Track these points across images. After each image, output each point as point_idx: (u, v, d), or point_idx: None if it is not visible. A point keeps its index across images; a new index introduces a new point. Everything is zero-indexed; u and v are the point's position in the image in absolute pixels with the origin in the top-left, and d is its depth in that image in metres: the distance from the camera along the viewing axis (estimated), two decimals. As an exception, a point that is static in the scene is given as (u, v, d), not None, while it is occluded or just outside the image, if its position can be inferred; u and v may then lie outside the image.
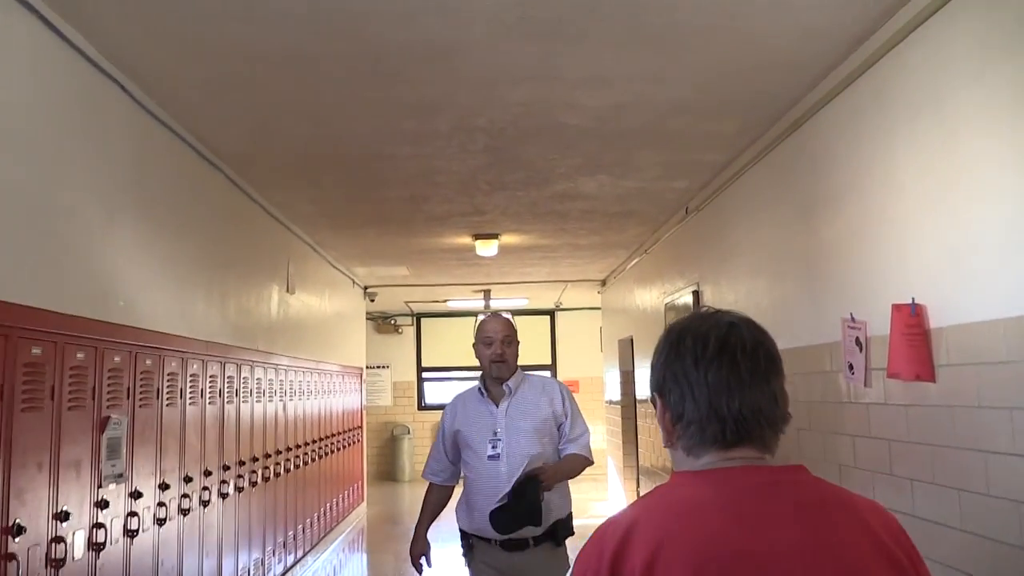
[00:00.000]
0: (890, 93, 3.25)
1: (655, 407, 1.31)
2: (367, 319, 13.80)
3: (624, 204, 6.34)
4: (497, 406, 3.38)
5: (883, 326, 3.30)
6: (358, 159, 4.98)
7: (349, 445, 9.30)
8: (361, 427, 10.18)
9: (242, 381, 5.29)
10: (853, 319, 3.59)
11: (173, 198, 4.38)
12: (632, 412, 9.70)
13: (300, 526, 6.90)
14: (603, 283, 10.86)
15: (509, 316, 3.47)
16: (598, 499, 11.03)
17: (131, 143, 3.85)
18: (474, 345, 3.44)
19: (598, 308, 13.44)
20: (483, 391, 3.44)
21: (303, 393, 7.05)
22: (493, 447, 3.30)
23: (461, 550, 3.40)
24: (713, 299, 5.92)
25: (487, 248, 7.56)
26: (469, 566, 3.40)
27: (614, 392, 10.37)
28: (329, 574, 7.41)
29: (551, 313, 14.30)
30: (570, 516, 3.36)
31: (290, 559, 6.53)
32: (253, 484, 5.48)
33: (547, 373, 14.16)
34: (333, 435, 8.39)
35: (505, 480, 3.15)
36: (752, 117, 4.34)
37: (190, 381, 4.37)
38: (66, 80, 3.25)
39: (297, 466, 6.75)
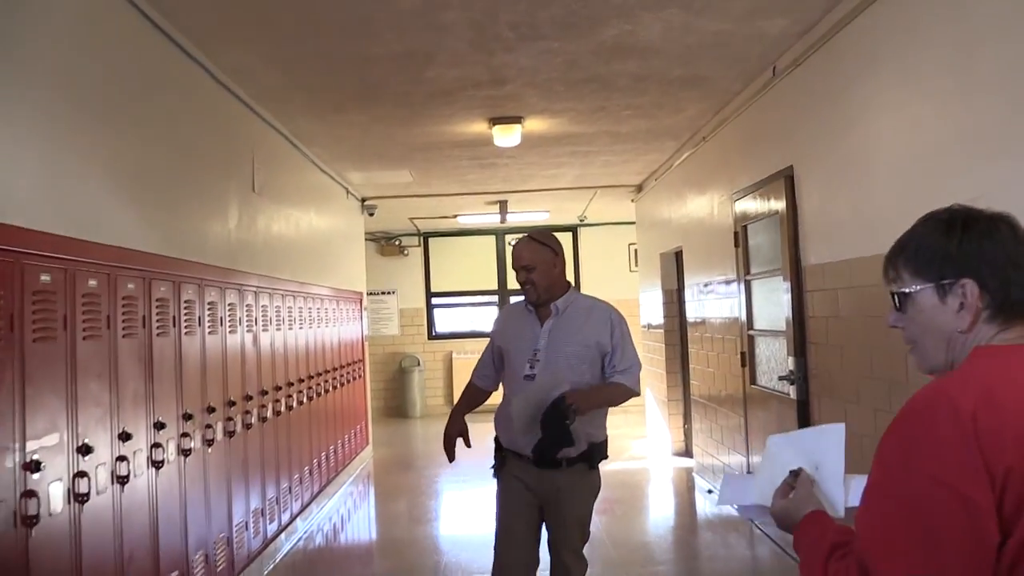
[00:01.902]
0: None
1: (952, 294, 1.30)
2: (368, 239, 12.33)
3: (692, 64, 4.77)
4: (542, 325, 3.27)
5: None
6: (327, -20, 3.43)
7: (349, 381, 7.96)
8: (363, 360, 8.82)
9: (182, 306, 3.86)
10: None
11: (47, 37, 2.87)
12: (679, 337, 8.30)
13: (286, 485, 5.58)
14: (639, 188, 9.32)
15: (538, 239, 3.27)
16: (635, 435, 9.73)
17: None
18: None
19: (626, 223, 11.95)
20: (530, 307, 3.31)
21: (283, 321, 5.64)
22: (530, 367, 3.20)
23: (493, 461, 3.36)
24: (821, 191, 4.40)
25: (507, 136, 6.02)
26: (498, 478, 3.35)
27: (654, 315, 8.95)
28: (324, 543, 6.14)
29: (573, 230, 12.78)
30: (605, 441, 3.30)
31: (271, 528, 5.23)
32: (209, 442, 4.10)
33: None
34: (328, 371, 7.02)
35: (535, 403, 3.08)
36: None
37: (84, 304, 2.94)
38: None
39: (279, 412, 5.39)
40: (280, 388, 5.45)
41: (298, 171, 6.59)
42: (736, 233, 5.72)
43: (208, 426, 4.11)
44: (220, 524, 4.30)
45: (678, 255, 8.08)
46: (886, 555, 1.18)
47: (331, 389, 7.09)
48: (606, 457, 3.30)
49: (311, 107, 5.44)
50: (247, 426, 4.72)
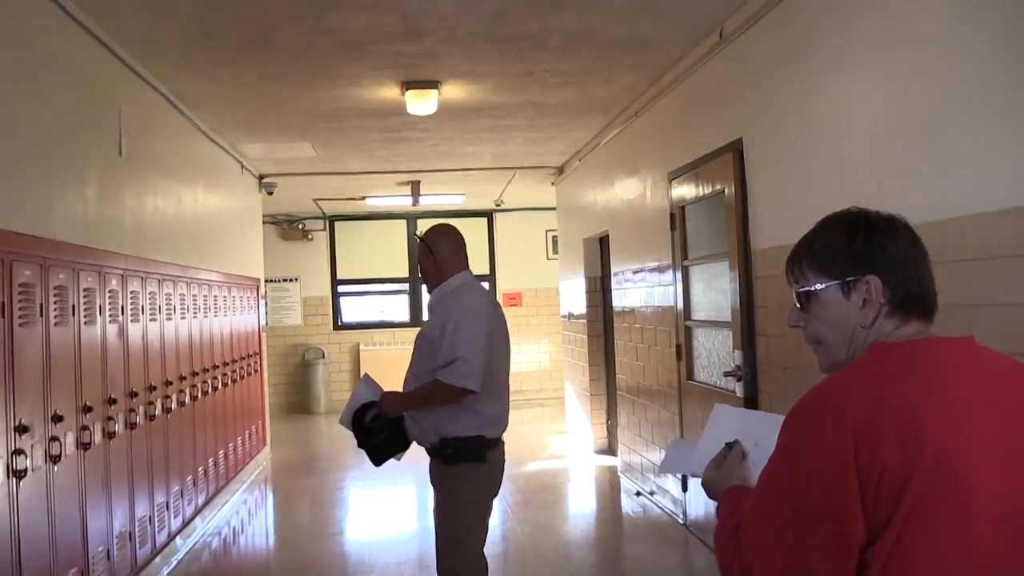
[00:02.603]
0: None
1: (856, 290, 1.35)
2: (268, 222, 11.48)
3: (632, 21, 4.24)
4: None
5: None
6: None
7: (243, 377, 7.17)
8: (260, 353, 8.02)
9: (16, 290, 3.08)
10: None
11: None
12: (602, 328, 7.83)
13: (162, 499, 4.81)
14: (560, 171, 8.80)
15: (421, 237, 3.41)
16: (554, 431, 9.26)
17: None
18: None
19: (545, 208, 11.48)
20: None
21: (159, 310, 4.85)
22: None
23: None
24: (775, 166, 3.94)
25: (422, 103, 5.37)
26: None
27: (575, 304, 8.47)
28: (211, 563, 5.38)
29: (489, 215, 12.21)
30: (461, 439, 3.09)
31: (143, 551, 4.46)
32: (54, 459, 3.33)
33: (485, 284, 12.19)
34: (217, 366, 6.23)
35: None
36: None
37: None
38: None
39: (152, 416, 4.60)
40: (155, 388, 4.67)
41: (181, 139, 5.77)
42: (673, 215, 5.26)
43: (54, 439, 3.34)
44: (71, 557, 3.53)
45: (603, 240, 7.62)
46: (760, 543, 1.27)
47: (221, 387, 6.30)
48: (473, 458, 3.08)
49: (192, 59, 4.65)
50: (110, 435, 3.95)
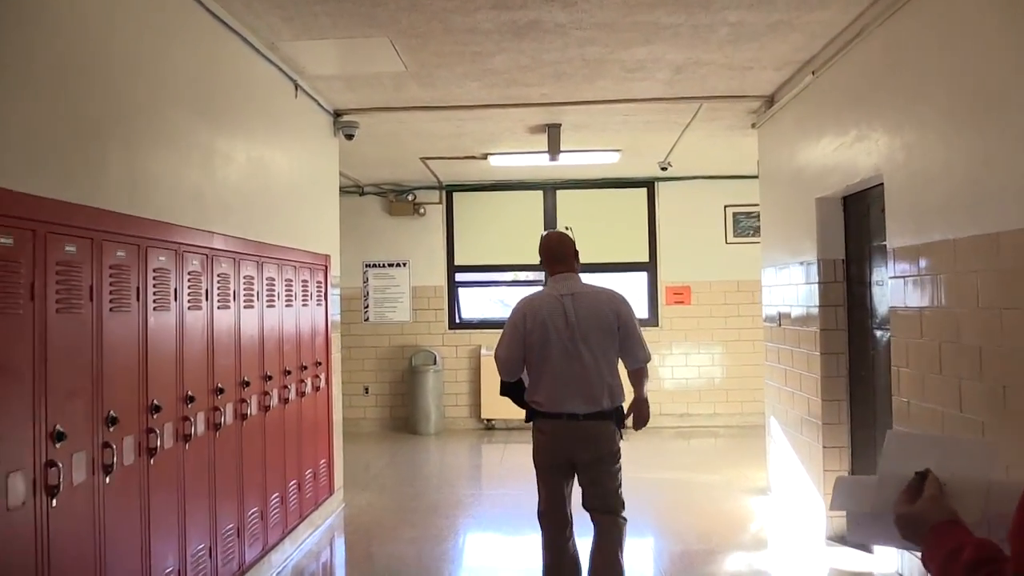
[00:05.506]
0: None
1: None
2: (372, 193, 9.30)
3: None
4: None
5: None
6: None
7: (292, 397, 4.81)
8: (325, 362, 5.62)
9: None
10: None
11: None
12: (845, 339, 4.94)
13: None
14: (769, 103, 5.92)
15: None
16: (747, 487, 6.41)
17: None
18: None
19: (725, 176, 8.76)
20: None
21: (96, 296, 2.46)
22: None
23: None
24: None
25: None
26: None
27: (791, 302, 5.58)
28: None
29: (650, 184, 9.42)
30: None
31: None
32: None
33: (643, 275, 9.43)
34: (248, 382, 3.87)
35: None
36: None
37: None
38: None
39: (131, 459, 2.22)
40: (117, 423, 2.26)
41: (163, 12, 3.41)
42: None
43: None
44: None
45: (850, 201, 4.76)
46: None
47: (259, 409, 3.92)
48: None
49: None
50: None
